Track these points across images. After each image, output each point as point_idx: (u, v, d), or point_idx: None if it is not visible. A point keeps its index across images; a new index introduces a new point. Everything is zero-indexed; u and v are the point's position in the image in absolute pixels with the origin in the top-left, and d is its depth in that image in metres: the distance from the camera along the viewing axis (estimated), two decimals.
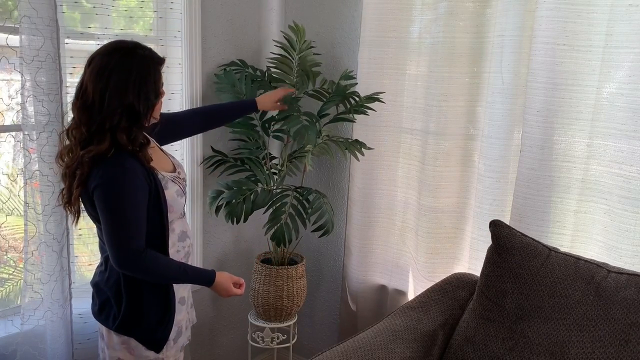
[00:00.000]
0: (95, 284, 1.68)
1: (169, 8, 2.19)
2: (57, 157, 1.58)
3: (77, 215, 1.59)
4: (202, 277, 1.68)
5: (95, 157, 1.48)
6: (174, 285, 1.68)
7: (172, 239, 1.66)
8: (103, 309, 1.64)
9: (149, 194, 1.54)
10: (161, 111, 1.69)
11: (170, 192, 1.62)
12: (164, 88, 1.64)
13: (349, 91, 2.26)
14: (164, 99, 1.67)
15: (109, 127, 1.47)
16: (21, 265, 1.92)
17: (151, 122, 1.63)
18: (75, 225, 1.68)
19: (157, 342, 1.63)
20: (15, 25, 1.75)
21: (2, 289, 2.00)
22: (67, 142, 1.54)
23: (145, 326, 1.61)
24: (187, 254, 1.74)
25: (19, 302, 1.98)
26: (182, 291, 1.74)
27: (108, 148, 1.48)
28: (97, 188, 1.48)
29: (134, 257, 1.51)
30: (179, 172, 1.72)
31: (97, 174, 1.48)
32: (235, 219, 2.22)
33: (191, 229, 2.41)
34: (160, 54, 1.61)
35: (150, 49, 1.57)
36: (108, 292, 1.62)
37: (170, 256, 1.65)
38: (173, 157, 1.79)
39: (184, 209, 1.72)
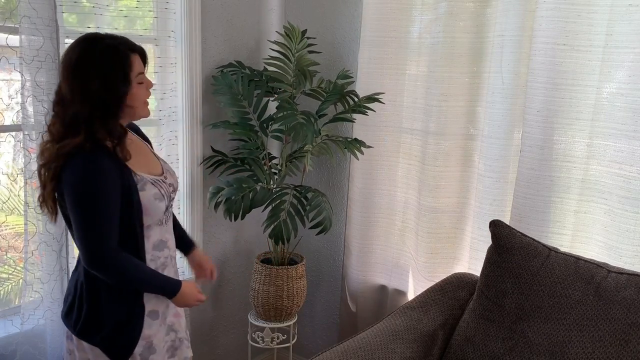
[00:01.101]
0: (68, 287, 1.65)
1: (168, 8, 2.19)
2: (38, 155, 1.54)
3: (54, 212, 1.55)
4: (170, 284, 1.61)
5: (72, 151, 1.44)
6: (146, 297, 1.59)
7: (147, 245, 1.59)
8: (70, 311, 1.59)
9: (121, 194, 1.49)
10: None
11: (147, 194, 1.55)
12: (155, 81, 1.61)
13: (346, 90, 2.27)
14: (153, 91, 1.61)
15: (83, 120, 1.44)
16: (21, 265, 1.92)
17: (138, 114, 1.57)
18: (55, 222, 1.61)
19: (117, 351, 1.56)
20: (15, 25, 1.75)
21: (1, 288, 2.01)
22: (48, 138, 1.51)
23: (105, 334, 1.55)
24: (163, 265, 1.65)
25: (19, 302, 1.98)
26: (156, 304, 1.62)
27: (83, 141, 1.43)
28: (67, 184, 1.44)
29: (106, 255, 1.47)
30: (165, 177, 1.65)
31: (69, 170, 1.44)
32: (233, 215, 2.22)
33: (190, 229, 2.41)
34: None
35: (120, 38, 1.51)
36: (74, 294, 1.58)
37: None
38: (165, 163, 1.74)
39: (165, 215, 1.63)
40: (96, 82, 1.44)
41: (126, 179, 1.50)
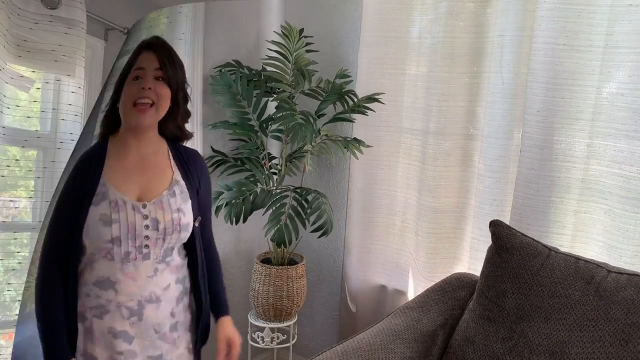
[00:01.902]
0: None
1: (180, 12, 2.19)
2: None
3: None
4: (54, 355, 1.33)
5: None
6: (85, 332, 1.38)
7: (87, 276, 1.38)
8: None
9: (77, 198, 1.37)
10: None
11: (95, 211, 1.35)
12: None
13: (345, 90, 2.27)
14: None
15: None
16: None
17: (124, 116, 1.41)
18: None
19: None
20: None
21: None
22: None
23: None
24: (102, 309, 1.36)
25: (31, 307, 1.97)
26: (91, 348, 1.37)
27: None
28: None
29: (42, 249, 1.38)
30: (144, 205, 1.39)
31: None
32: (234, 219, 2.22)
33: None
34: None
35: (154, 37, 1.49)
36: None
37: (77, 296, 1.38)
38: (173, 197, 1.44)
39: (116, 249, 1.36)
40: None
41: (89, 183, 1.37)
